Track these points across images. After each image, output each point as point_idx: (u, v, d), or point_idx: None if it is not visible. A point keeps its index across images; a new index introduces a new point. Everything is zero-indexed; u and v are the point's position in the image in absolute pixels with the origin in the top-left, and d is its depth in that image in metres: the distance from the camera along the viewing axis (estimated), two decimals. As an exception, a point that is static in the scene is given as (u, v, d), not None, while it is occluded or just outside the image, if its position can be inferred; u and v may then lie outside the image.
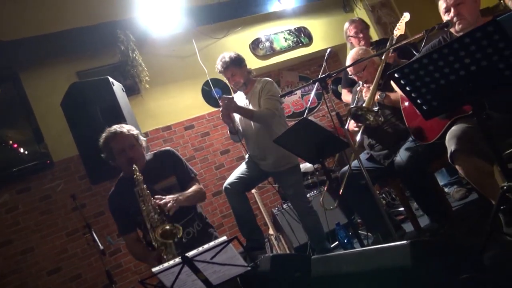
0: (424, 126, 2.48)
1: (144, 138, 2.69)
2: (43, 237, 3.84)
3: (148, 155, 2.69)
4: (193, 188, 2.61)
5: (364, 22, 3.77)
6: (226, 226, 4.59)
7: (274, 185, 4.12)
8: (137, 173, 2.40)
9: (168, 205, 2.31)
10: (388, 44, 2.94)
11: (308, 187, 4.27)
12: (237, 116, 3.26)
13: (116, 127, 2.54)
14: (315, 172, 4.43)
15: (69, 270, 3.84)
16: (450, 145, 2.10)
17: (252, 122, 3.16)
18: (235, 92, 3.53)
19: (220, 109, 3.06)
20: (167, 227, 2.29)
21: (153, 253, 2.37)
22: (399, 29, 2.98)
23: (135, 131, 2.59)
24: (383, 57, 2.85)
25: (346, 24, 3.76)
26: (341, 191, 2.74)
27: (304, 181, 4.12)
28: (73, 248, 3.91)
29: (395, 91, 2.80)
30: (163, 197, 2.37)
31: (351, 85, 3.59)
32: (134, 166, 2.42)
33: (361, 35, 3.66)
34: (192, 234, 2.57)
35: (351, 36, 3.70)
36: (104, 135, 2.53)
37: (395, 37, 2.97)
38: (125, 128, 2.55)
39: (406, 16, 3.02)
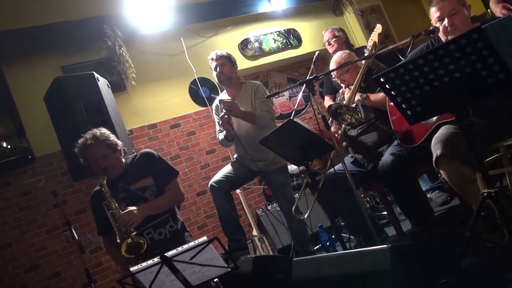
0: (409, 129, 2.50)
1: (121, 142, 2.68)
2: (21, 234, 3.76)
3: (129, 158, 2.72)
4: (166, 194, 2.63)
5: (336, 30, 3.90)
6: (209, 226, 4.56)
7: (259, 186, 4.11)
8: (105, 188, 2.44)
9: (127, 221, 2.36)
10: (368, 51, 3.02)
11: (292, 189, 4.27)
12: None
13: (90, 135, 2.55)
14: (300, 174, 4.43)
15: (47, 267, 3.77)
16: (436, 150, 2.12)
17: (245, 122, 3.16)
18: (221, 89, 3.53)
19: (221, 114, 3.04)
20: (129, 240, 2.35)
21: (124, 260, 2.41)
22: (372, 40, 3.07)
23: (110, 137, 2.60)
24: (365, 61, 2.92)
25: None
26: (319, 185, 2.77)
27: (289, 183, 4.11)
28: (52, 246, 3.84)
29: (377, 93, 2.85)
30: (126, 211, 2.40)
31: (333, 92, 3.70)
32: (103, 181, 2.45)
33: (331, 44, 3.84)
34: (164, 234, 2.59)
35: (326, 45, 3.93)
36: (79, 143, 2.55)
37: (369, 48, 3.06)
38: (98, 135, 2.55)
39: (378, 28, 3.13)
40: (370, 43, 3.07)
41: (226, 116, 3.01)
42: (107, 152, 2.55)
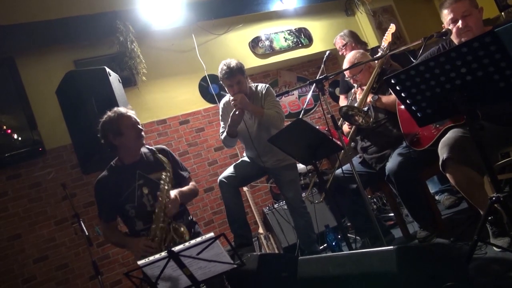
0: (418, 132, 2.49)
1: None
2: (31, 225, 3.81)
3: (145, 148, 2.71)
4: (189, 186, 2.70)
5: (343, 37, 3.87)
6: (216, 222, 4.58)
7: (266, 184, 4.11)
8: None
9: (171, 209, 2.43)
10: (381, 51, 3.01)
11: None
12: None
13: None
14: (308, 173, 4.43)
15: (55, 259, 3.82)
16: (442, 153, 2.11)
17: (256, 124, 3.17)
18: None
19: (232, 112, 3.03)
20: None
21: (133, 239, 2.46)
22: (386, 40, 3.04)
23: None
24: (378, 62, 2.91)
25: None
26: (328, 185, 2.78)
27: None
28: (61, 237, 3.88)
29: (389, 95, 2.84)
30: (172, 199, 2.45)
31: (348, 91, 3.66)
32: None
33: (343, 51, 3.84)
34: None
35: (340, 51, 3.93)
36: (111, 114, 2.60)
37: (383, 47, 3.03)
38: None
39: (392, 28, 3.10)
40: (384, 44, 3.04)
41: (237, 112, 3.00)
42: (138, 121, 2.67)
